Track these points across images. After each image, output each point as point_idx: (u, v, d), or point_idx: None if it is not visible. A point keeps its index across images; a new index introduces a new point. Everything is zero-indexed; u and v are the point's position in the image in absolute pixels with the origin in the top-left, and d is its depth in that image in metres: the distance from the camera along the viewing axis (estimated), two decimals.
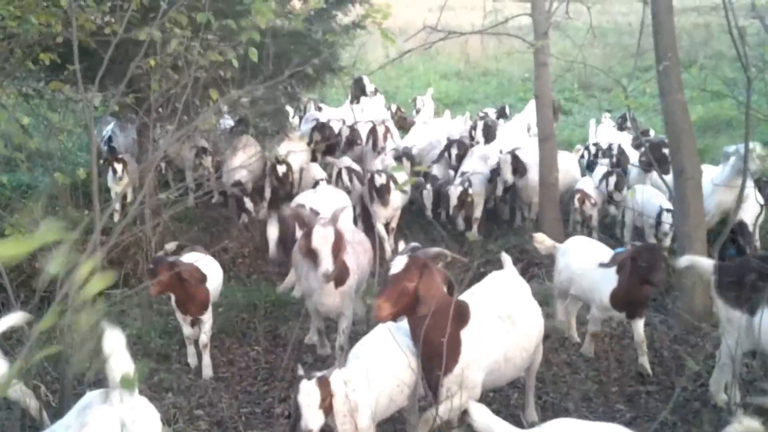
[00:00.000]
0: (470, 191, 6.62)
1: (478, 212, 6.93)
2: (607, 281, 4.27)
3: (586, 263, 4.50)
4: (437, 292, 3.07)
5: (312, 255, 4.04)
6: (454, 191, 6.57)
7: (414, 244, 3.46)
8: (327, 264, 3.96)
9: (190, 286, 4.18)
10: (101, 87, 5.66)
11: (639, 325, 4.30)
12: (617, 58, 11.13)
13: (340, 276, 4.19)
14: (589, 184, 6.90)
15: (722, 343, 3.84)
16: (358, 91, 9.97)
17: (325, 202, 5.77)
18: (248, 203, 6.73)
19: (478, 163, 7.17)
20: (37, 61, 4.74)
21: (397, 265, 3.01)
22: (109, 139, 8.05)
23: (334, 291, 4.25)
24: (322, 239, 3.99)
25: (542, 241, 4.96)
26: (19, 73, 5.26)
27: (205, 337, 4.44)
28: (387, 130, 7.81)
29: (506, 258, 3.95)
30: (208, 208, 7.61)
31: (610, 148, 7.60)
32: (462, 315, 3.19)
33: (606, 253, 4.53)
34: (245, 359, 4.75)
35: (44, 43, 4.71)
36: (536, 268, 5.86)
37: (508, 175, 6.79)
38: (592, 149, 8.05)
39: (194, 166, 7.41)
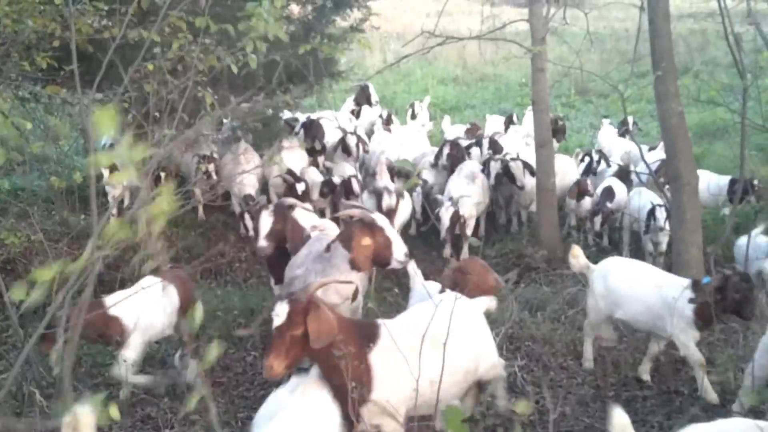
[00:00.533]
0: (461, 212, 6.45)
1: (469, 231, 6.70)
2: (684, 299, 3.97)
3: (640, 285, 4.22)
4: (331, 325, 2.83)
5: (379, 250, 3.69)
6: (446, 213, 6.42)
7: (292, 286, 3.13)
8: (404, 247, 3.71)
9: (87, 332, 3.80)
10: (99, 91, 5.66)
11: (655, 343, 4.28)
12: (614, 63, 11.17)
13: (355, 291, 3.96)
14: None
15: (762, 358, 3.73)
16: (363, 100, 9.87)
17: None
18: (249, 222, 6.39)
19: (464, 184, 6.83)
20: (34, 63, 4.73)
21: (279, 315, 2.76)
22: (112, 146, 7.99)
23: (350, 306, 4.01)
24: (389, 226, 3.73)
25: (578, 256, 4.57)
26: (15, 76, 5.26)
27: (119, 370, 4.06)
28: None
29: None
30: (205, 213, 7.60)
31: (627, 169, 7.34)
32: (369, 338, 2.97)
33: (654, 272, 4.34)
34: (241, 364, 4.73)
35: (41, 46, 4.71)
36: (533, 273, 5.86)
37: (522, 179, 6.88)
38: (595, 156, 7.78)
39: (196, 173, 7.25)
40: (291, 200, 4.71)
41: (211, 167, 7.13)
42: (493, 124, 10.04)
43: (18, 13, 4.32)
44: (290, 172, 6.95)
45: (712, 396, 3.99)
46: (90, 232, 3.51)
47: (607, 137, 9.11)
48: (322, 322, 2.80)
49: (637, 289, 4.21)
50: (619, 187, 6.89)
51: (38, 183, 7.35)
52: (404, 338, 3.02)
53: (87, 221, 5.90)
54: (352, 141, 7.90)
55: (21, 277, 5.11)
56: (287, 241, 4.48)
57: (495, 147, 7.86)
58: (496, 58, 15.23)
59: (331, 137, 8.31)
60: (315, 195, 7.13)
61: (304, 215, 5.16)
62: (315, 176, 7.44)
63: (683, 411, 3.95)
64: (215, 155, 7.37)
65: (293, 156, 7.52)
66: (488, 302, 3.69)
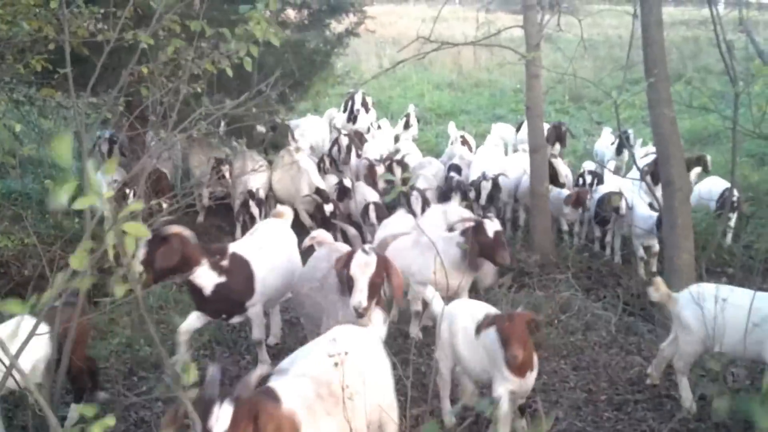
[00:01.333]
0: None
1: None
2: None
3: (740, 312, 3.64)
4: (289, 428, 2.57)
5: (346, 282, 3.48)
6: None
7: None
8: (360, 296, 3.37)
9: None
10: (93, 94, 5.66)
11: None
12: (607, 70, 11.27)
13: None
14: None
15: None
16: (345, 109, 9.81)
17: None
18: (254, 207, 6.57)
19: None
20: (29, 66, 4.73)
21: (222, 421, 2.41)
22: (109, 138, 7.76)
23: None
24: (360, 267, 3.42)
25: (658, 287, 4.09)
26: (10, 79, 5.25)
27: None
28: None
29: (377, 317, 3.50)
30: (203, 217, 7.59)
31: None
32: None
33: (749, 294, 3.76)
34: (236, 368, 4.72)
35: (36, 48, 4.71)
36: (526, 278, 5.88)
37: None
38: (588, 178, 7.19)
39: (211, 176, 7.11)
40: (175, 228, 4.08)
41: (227, 171, 7.10)
42: (499, 133, 9.69)
43: (12, 16, 4.32)
44: (319, 191, 6.93)
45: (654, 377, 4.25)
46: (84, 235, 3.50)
47: (606, 145, 9.12)
48: (275, 420, 2.49)
49: (738, 318, 3.64)
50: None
51: (32, 186, 7.32)
52: (300, 400, 2.74)
53: (81, 224, 5.88)
54: (344, 141, 7.89)
55: (14, 280, 5.09)
56: (172, 273, 4.09)
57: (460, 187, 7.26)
58: (491, 64, 15.33)
59: (316, 138, 8.29)
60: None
61: (279, 230, 4.92)
62: (335, 181, 7.50)
63: (675, 415, 3.98)
64: (229, 158, 7.37)
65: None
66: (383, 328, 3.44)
